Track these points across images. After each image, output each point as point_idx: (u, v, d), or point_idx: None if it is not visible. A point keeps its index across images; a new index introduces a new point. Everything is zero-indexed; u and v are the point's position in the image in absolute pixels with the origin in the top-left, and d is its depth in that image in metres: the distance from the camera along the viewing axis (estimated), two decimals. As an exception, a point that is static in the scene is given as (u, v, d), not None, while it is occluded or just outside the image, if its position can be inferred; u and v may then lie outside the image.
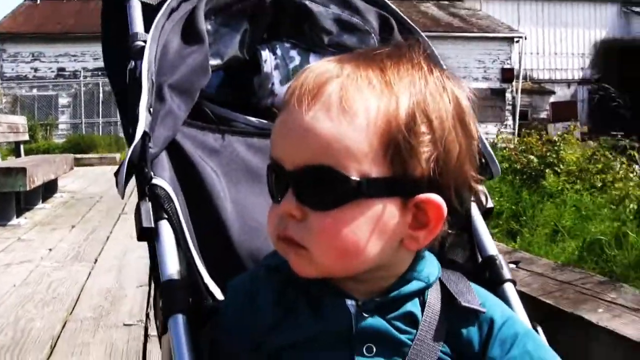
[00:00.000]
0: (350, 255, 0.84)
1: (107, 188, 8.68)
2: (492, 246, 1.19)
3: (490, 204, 1.23)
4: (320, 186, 0.82)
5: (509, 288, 1.13)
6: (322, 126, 0.82)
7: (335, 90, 0.83)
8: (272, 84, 1.35)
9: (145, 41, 1.19)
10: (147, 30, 1.23)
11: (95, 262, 4.43)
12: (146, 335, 2.98)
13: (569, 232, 4.33)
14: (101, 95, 22.28)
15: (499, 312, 0.93)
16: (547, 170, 5.69)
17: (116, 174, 1.06)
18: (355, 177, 0.81)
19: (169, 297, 0.98)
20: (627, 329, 2.22)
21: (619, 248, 3.60)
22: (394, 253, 0.87)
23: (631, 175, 5.29)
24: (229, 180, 1.23)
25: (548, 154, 5.89)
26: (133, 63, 1.19)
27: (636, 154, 5.75)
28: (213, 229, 1.17)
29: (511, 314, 0.96)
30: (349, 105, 0.82)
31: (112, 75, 1.40)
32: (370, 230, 0.83)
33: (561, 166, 5.69)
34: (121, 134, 19.66)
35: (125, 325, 3.15)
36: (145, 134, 1.08)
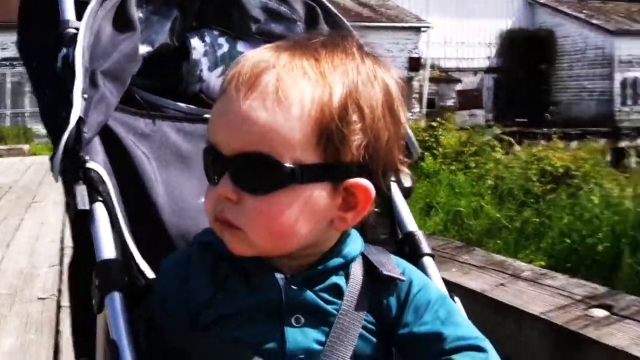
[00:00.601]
0: (283, 237, 0.87)
1: (16, 178, 8.67)
2: (411, 223, 1.24)
3: (410, 183, 1.26)
4: (255, 172, 0.85)
5: (427, 261, 1.17)
6: (258, 115, 0.84)
7: (272, 80, 0.85)
8: (201, 70, 1.38)
9: (77, 28, 1.19)
10: (77, 19, 1.24)
11: (7, 247, 4.61)
12: (59, 307, 3.29)
13: (442, 207, 4.89)
14: (9, 85, 21.45)
15: (416, 279, 0.97)
16: (425, 153, 6.12)
17: (51, 158, 1.07)
18: (289, 165, 0.84)
19: (106, 275, 1.00)
20: (472, 283, 2.71)
21: (477, 218, 4.18)
22: (324, 232, 0.91)
23: (502, 157, 5.90)
24: (160, 163, 1.25)
25: (427, 138, 6.42)
26: (65, 50, 1.18)
27: (506, 138, 6.40)
28: (145, 211, 1.19)
29: (427, 282, 1.01)
30: (284, 96, 0.84)
31: (31, 64, 1.39)
32: (302, 213, 0.86)
33: (439, 149, 6.25)
34: (29, 125, 19.10)
35: (39, 299, 3.45)
36: (80, 119, 1.09)
